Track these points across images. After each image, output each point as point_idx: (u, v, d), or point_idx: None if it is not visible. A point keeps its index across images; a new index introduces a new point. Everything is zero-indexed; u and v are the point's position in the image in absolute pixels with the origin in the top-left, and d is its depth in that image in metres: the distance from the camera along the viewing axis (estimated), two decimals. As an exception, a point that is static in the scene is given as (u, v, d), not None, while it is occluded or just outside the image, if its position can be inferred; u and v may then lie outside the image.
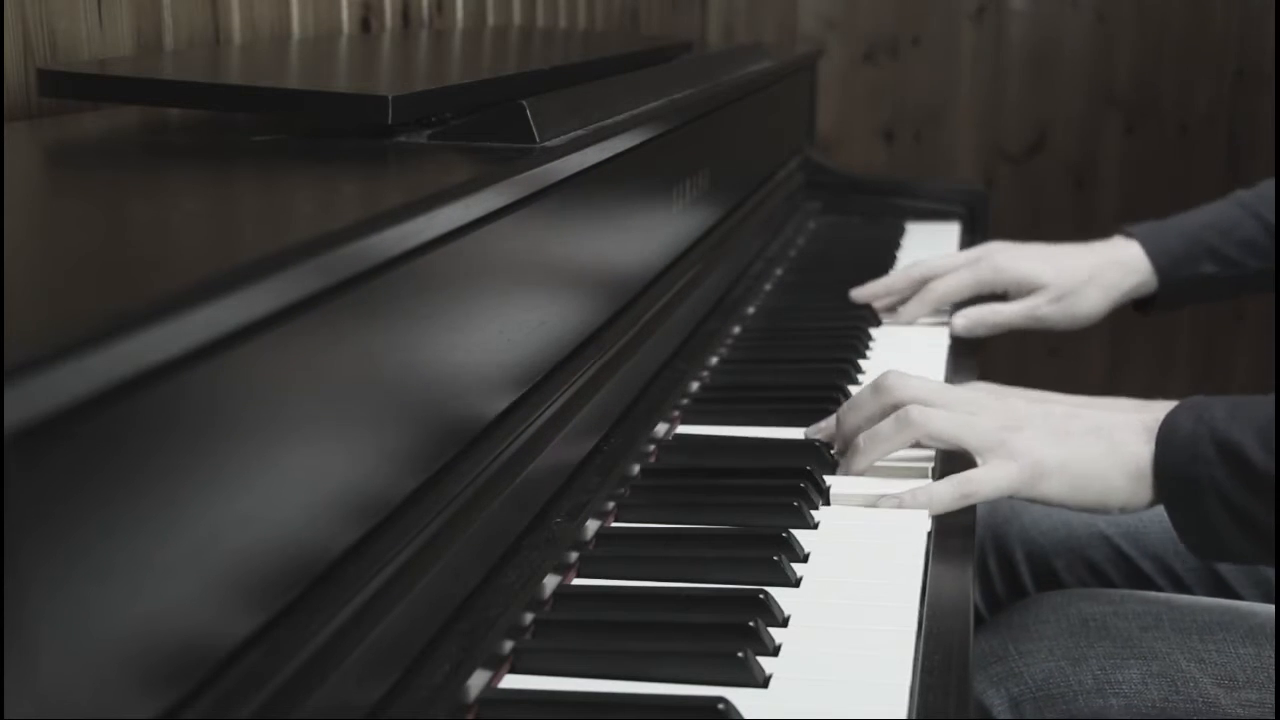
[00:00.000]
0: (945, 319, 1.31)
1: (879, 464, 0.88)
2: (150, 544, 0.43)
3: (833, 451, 0.91)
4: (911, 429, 0.86)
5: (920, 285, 1.30)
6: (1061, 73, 2.84)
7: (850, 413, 0.91)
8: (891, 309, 1.31)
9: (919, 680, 0.64)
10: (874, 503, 0.84)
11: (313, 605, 0.53)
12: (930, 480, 0.86)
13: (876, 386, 0.89)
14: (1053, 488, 0.84)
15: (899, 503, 0.83)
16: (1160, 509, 1.08)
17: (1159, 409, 0.85)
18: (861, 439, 0.88)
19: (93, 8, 0.96)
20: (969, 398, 0.88)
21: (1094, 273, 1.28)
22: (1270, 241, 1.25)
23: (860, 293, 1.33)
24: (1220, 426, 0.81)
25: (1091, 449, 0.84)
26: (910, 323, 1.29)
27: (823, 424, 0.94)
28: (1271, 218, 1.25)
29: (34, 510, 0.37)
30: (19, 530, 0.36)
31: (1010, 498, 0.85)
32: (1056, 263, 1.29)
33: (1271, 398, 0.82)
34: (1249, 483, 0.80)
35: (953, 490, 0.83)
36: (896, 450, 0.87)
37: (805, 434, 0.95)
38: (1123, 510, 0.85)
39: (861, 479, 0.87)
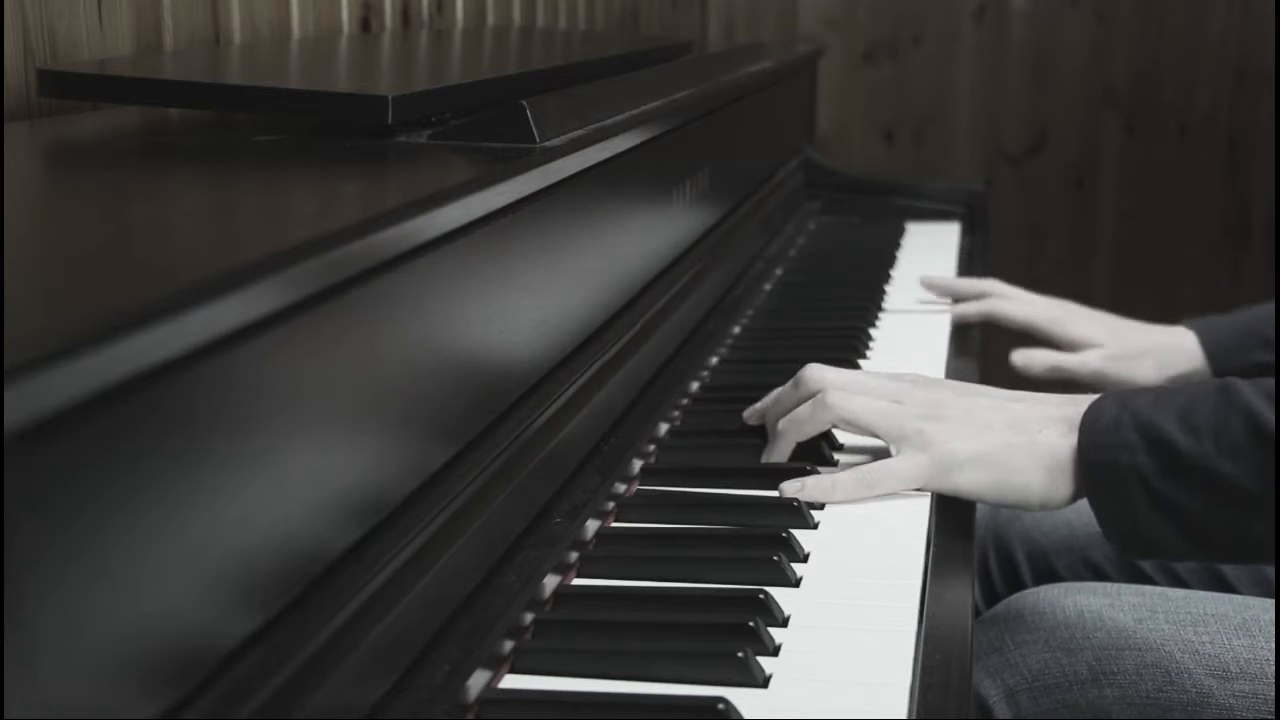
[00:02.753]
0: (945, 308, 1.32)
1: None
2: (150, 544, 0.43)
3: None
4: (828, 412, 0.86)
5: (983, 294, 1.35)
6: (1061, 73, 2.84)
7: (774, 406, 0.92)
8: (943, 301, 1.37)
9: (919, 680, 0.64)
10: (785, 492, 0.84)
11: (313, 605, 0.53)
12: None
13: (797, 379, 0.90)
14: (966, 480, 0.82)
15: (801, 486, 0.83)
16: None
17: (1083, 401, 0.83)
18: (781, 423, 0.88)
19: (93, 8, 0.96)
20: (892, 387, 0.87)
21: (1151, 348, 1.30)
22: None
23: (930, 281, 1.39)
24: (1143, 412, 0.79)
25: (1009, 441, 0.82)
26: (962, 313, 1.34)
27: (757, 406, 0.94)
28: None
29: (34, 510, 0.37)
30: (19, 530, 0.36)
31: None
32: (1114, 327, 1.33)
33: (1196, 383, 0.81)
34: (1172, 467, 0.77)
35: (855, 480, 0.83)
36: (815, 432, 0.87)
37: (745, 416, 0.95)
38: (1043, 506, 0.82)
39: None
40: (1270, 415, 0.75)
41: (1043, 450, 0.81)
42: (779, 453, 0.89)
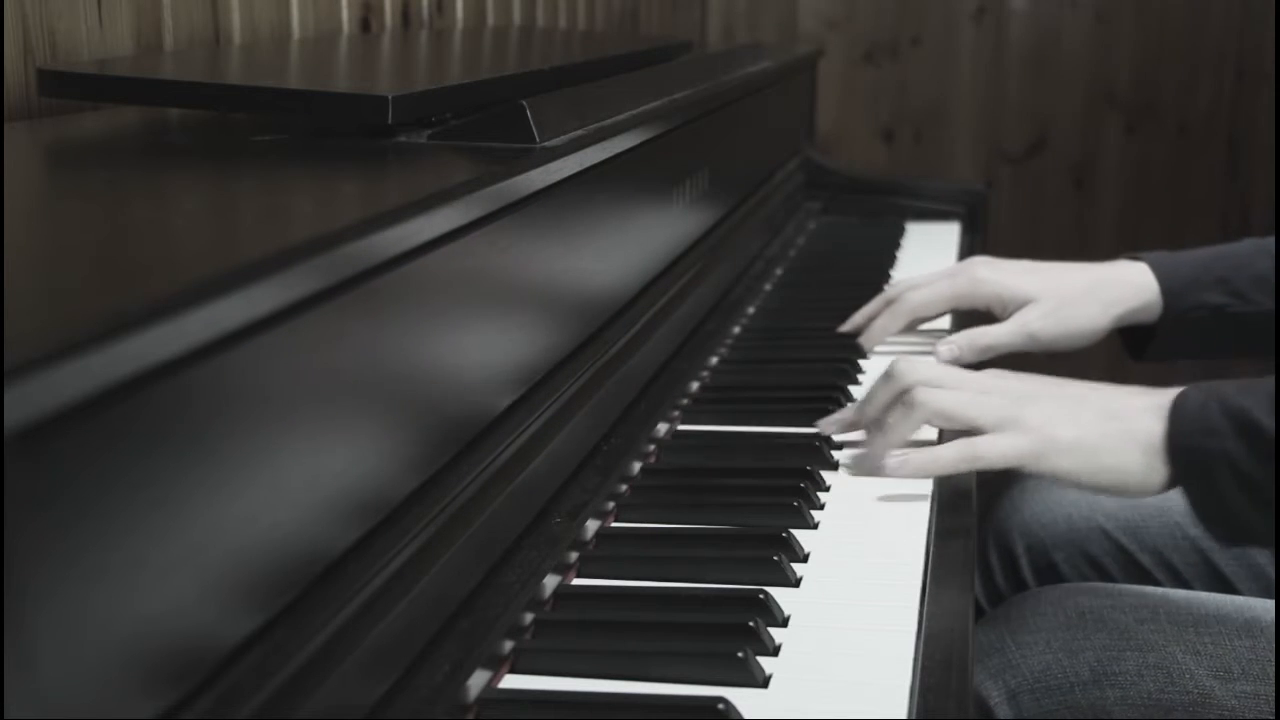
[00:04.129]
0: (944, 326, 1.31)
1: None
2: (150, 544, 0.43)
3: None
4: (919, 410, 0.86)
5: (891, 304, 1.19)
6: (1061, 73, 2.84)
7: (867, 405, 0.92)
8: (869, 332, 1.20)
9: (919, 680, 0.64)
10: (877, 472, 0.86)
11: (313, 605, 0.53)
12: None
13: (887, 374, 0.91)
14: (1065, 464, 0.83)
15: (904, 461, 0.84)
16: (1158, 501, 1.07)
17: (1170, 391, 0.84)
18: (875, 437, 0.89)
19: (93, 8, 0.96)
20: (979, 379, 0.89)
21: (1092, 287, 1.17)
22: None
23: (845, 326, 1.22)
24: (1230, 398, 0.80)
25: (1104, 428, 0.83)
26: (880, 340, 1.18)
27: (836, 416, 0.95)
28: None
29: (34, 510, 0.37)
30: (19, 530, 0.36)
31: (1020, 474, 0.85)
32: (1046, 276, 1.18)
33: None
34: (1260, 450, 0.78)
35: (958, 453, 0.84)
36: (910, 434, 0.87)
37: (818, 425, 0.95)
38: (1140, 492, 0.84)
39: (864, 479, 0.87)
40: None
41: (1140, 436, 0.83)
42: (874, 456, 0.88)
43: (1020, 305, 1.16)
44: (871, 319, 1.20)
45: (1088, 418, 0.84)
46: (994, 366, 1.05)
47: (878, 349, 1.19)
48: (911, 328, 1.21)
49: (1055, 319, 1.15)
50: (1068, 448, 0.83)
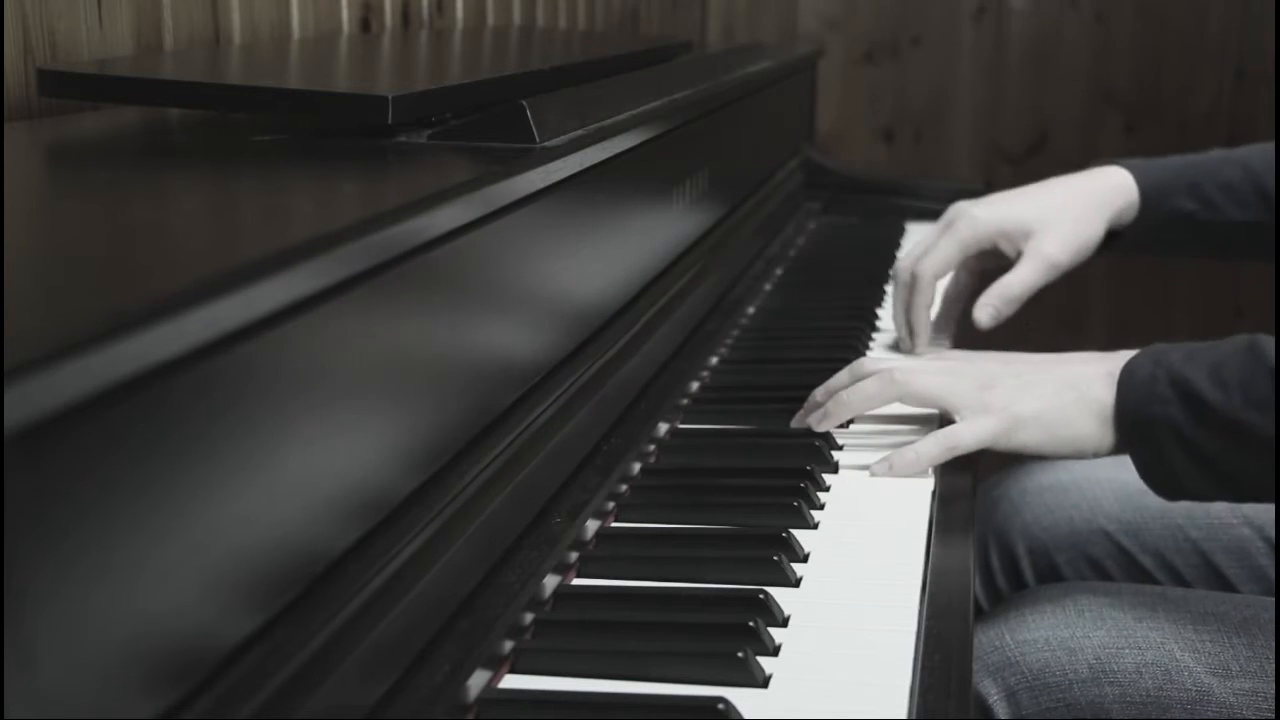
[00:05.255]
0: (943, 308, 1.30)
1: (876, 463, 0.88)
2: (150, 544, 0.43)
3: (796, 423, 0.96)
4: (895, 387, 0.90)
5: (912, 283, 1.17)
6: (1061, 73, 2.84)
7: (824, 392, 0.95)
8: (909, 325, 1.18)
9: (919, 680, 0.64)
10: (868, 467, 0.88)
11: (313, 605, 0.53)
12: (930, 477, 0.86)
13: (854, 368, 0.93)
14: (1029, 437, 0.88)
15: (890, 466, 0.87)
16: (1160, 504, 1.08)
17: (1122, 357, 0.88)
18: (844, 393, 0.92)
19: (93, 8, 0.96)
20: (945, 365, 0.92)
21: (1090, 198, 1.17)
22: (1251, 193, 1.18)
23: (904, 337, 1.18)
24: (1176, 367, 0.85)
25: (1062, 399, 0.88)
26: (928, 335, 1.16)
27: (801, 413, 0.97)
28: (1259, 168, 1.18)
29: (34, 510, 0.37)
30: (19, 530, 0.36)
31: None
32: (1040, 200, 1.17)
33: (1228, 339, 0.86)
34: (1202, 418, 0.83)
35: (937, 444, 0.87)
36: (875, 408, 0.92)
37: (793, 423, 0.96)
38: (1095, 454, 0.89)
39: (864, 479, 0.87)
40: None
41: (1093, 404, 0.87)
42: (832, 421, 0.92)
43: (1025, 235, 1.15)
44: (908, 310, 1.18)
45: (1046, 391, 0.88)
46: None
47: (888, 328, 1.22)
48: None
49: (1073, 242, 1.15)
50: (1030, 422, 0.88)
